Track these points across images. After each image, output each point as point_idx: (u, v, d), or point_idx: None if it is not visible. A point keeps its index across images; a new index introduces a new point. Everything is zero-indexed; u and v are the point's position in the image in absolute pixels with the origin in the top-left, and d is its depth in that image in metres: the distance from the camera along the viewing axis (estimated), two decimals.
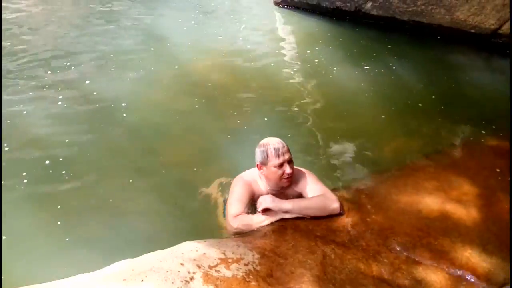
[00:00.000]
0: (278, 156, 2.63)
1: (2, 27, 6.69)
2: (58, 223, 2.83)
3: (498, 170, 3.37)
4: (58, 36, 6.81)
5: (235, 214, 2.66)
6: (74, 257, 2.54)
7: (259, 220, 2.65)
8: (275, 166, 2.64)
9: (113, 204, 3.09)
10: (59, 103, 4.60)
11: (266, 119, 4.28)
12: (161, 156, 3.68)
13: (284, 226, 2.71)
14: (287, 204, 2.64)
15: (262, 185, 2.81)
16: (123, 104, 4.48)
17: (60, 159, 3.59)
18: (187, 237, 2.37)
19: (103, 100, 4.64)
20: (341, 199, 2.82)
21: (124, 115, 4.28)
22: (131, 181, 3.31)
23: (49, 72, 5.39)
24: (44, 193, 3.20)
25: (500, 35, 6.22)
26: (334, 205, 2.71)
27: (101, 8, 8.34)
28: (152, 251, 2.15)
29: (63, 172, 3.41)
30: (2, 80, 4.99)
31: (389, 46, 6.44)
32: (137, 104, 4.54)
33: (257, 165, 2.73)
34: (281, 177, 2.67)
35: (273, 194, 2.75)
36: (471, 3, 6.33)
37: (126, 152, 3.76)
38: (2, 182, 3.22)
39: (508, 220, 2.83)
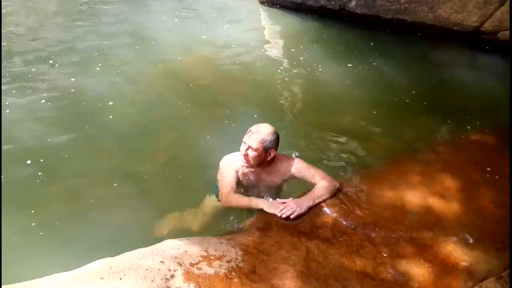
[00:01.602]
0: (246, 134, 2.85)
1: None
2: (33, 224, 2.77)
3: (480, 165, 3.39)
4: (42, 33, 6.72)
5: (227, 191, 2.92)
6: (51, 256, 2.49)
7: (246, 202, 2.86)
8: (243, 142, 2.87)
9: (94, 204, 3.04)
10: (43, 101, 4.53)
11: (255, 115, 4.24)
12: (145, 157, 3.62)
13: (268, 222, 2.70)
14: (307, 202, 2.78)
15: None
16: (109, 103, 4.42)
17: (41, 160, 3.52)
18: (169, 235, 2.33)
19: (88, 100, 4.57)
20: None
21: (111, 116, 4.21)
22: (115, 184, 3.24)
23: (33, 69, 5.31)
24: (23, 193, 3.13)
25: (482, 32, 6.29)
26: (337, 184, 2.94)
27: (85, 6, 8.24)
28: (133, 249, 2.11)
29: (41, 173, 3.34)
30: None
31: (372, 43, 6.48)
32: (122, 104, 4.47)
33: None
34: (241, 152, 2.89)
35: (257, 171, 2.97)
36: (453, 1, 6.40)
37: (109, 152, 3.70)
38: None
39: (489, 213, 2.86)
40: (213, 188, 3.13)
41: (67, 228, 2.80)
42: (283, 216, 2.68)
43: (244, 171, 3.01)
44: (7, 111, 4.30)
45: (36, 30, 6.89)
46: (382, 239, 2.55)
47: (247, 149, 2.83)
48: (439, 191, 3.05)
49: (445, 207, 2.89)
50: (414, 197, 2.96)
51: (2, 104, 4.40)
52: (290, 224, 2.66)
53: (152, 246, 2.16)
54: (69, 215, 2.92)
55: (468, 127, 4.05)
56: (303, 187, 2.96)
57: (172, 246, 2.18)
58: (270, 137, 2.82)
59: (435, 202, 2.92)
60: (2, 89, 4.75)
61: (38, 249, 2.59)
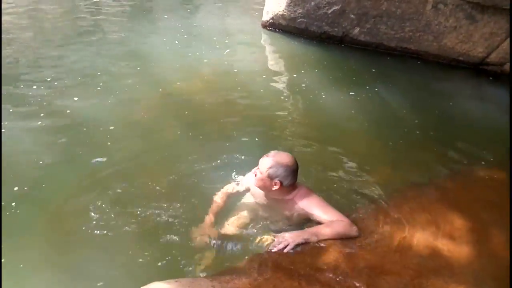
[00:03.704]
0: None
1: None
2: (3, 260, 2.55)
3: (491, 203, 3.22)
4: (42, 51, 6.60)
5: (223, 189, 3.14)
6: None
7: (211, 208, 3.00)
8: None
9: (76, 243, 2.79)
10: (39, 122, 4.35)
11: (258, 144, 4.06)
12: (141, 190, 3.37)
13: (265, 263, 2.51)
14: (303, 235, 2.64)
15: None
16: (110, 128, 4.22)
17: (25, 188, 3.29)
18: (156, 277, 2.14)
19: (87, 123, 4.37)
20: None
21: (109, 143, 4.00)
22: (100, 221, 2.99)
23: (34, 87, 5.14)
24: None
25: (488, 63, 6.21)
26: (353, 232, 2.71)
27: (88, 25, 8.19)
28: None
29: (15, 203, 3.12)
30: None
31: (373, 70, 6.38)
32: (121, 130, 4.24)
33: None
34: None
35: (268, 195, 2.91)
36: (459, 31, 6.33)
37: (103, 184, 3.44)
38: None
39: (503, 258, 2.67)
40: None
41: (43, 270, 2.57)
42: (273, 250, 2.58)
43: (256, 192, 3.00)
44: (3, 130, 4.13)
45: (36, 47, 6.78)
46: (389, 285, 2.37)
47: (257, 168, 2.81)
48: (448, 231, 2.87)
49: (455, 250, 2.71)
50: (422, 237, 2.78)
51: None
52: (289, 266, 2.47)
53: None
54: (46, 256, 2.68)
55: (483, 163, 3.89)
56: None
57: None
58: (279, 167, 2.72)
59: (444, 244, 2.75)
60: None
61: None
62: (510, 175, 3.59)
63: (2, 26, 7.41)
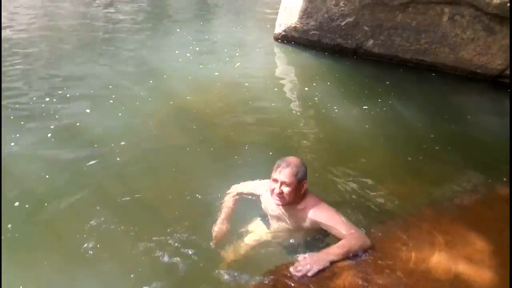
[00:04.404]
0: (275, 171, 2.73)
1: None
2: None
3: None
4: (54, 63, 6.66)
5: (233, 189, 3.20)
6: None
7: (223, 210, 3.04)
8: (271, 179, 2.77)
9: (78, 261, 2.73)
10: (49, 135, 4.34)
11: (270, 159, 3.94)
12: (149, 207, 3.29)
13: (274, 286, 2.40)
14: (327, 257, 2.54)
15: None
16: (121, 143, 4.19)
17: (26, 205, 3.24)
18: None
19: (97, 136, 4.35)
20: None
21: (118, 158, 3.94)
22: (103, 226, 2.97)
23: (47, 99, 5.17)
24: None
25: (507, 75, 6.03)
26: (367, 243, 2.66)
27: (100, 38, 8.27)
28: None
29: (27, 216, 3.08)
30: None
31: (387, 82, 6.23)
32: (131, 145, 4.19)
33: None
34: (272, 191, 2.76)
35: (286, 210, 2.84)
36: (477, 43, 6.17)
37: (109, 202, 3.35)
38: None
39: None
40: None
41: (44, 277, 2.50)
42: (298, 275, 2.44)
43: (272, 208, 2.94)
44: (12, 144, 4.11)
45: (48, 59, 6.85)
46: None
47: (281, 185, 2.70)
48: (469, 254, 2.72)
49: (476, 275, 2.56)
50: (441, 260, 2.64)
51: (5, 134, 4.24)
52: None
53: None
54: (46, 273, 2.62)
55: (504, 179, 3.71)
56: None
57: None
58: (302, 168, 2.75)
59: (464, 268, 2.60)
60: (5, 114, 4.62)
61: None
62: (510, 184, 3.49)
63: (14, 37, 7.54)
